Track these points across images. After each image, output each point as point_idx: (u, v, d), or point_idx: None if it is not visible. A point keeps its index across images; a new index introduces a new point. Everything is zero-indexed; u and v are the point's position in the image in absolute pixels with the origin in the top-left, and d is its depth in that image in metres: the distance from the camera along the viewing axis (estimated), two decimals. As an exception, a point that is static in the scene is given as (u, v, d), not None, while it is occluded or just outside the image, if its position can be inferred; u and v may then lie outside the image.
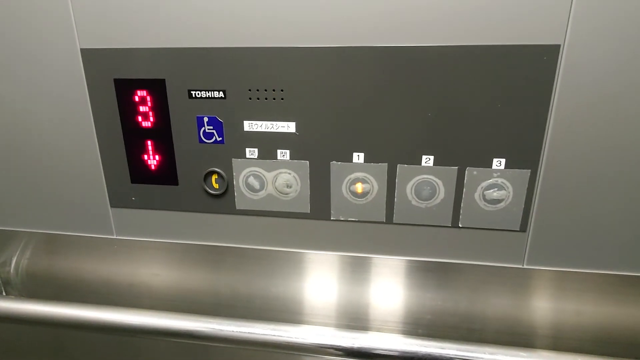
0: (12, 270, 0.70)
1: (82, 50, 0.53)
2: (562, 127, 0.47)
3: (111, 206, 0.61)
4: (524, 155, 0.49)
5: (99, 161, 0.58)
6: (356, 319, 0.61)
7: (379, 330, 0.61)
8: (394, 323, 0.60)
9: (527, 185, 0.50)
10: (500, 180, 0.51)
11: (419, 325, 0.60)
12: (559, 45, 0.44)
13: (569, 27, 0.44)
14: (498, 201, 0.52)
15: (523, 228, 0.52)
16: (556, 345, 0.57)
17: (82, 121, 0.57)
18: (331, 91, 0.50)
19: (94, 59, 0.53)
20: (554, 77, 0.45)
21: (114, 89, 0.54)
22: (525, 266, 0.54)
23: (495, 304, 0.57)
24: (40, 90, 0.56)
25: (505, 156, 0.50)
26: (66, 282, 0.69)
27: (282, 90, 0.51)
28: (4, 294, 0.72)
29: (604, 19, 0.43)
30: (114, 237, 0.63)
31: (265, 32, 0.49)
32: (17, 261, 0.70)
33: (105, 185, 0.60)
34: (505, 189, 0.51)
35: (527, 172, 0.50)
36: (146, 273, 0.65)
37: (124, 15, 0.51)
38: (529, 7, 0.44)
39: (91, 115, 0.56)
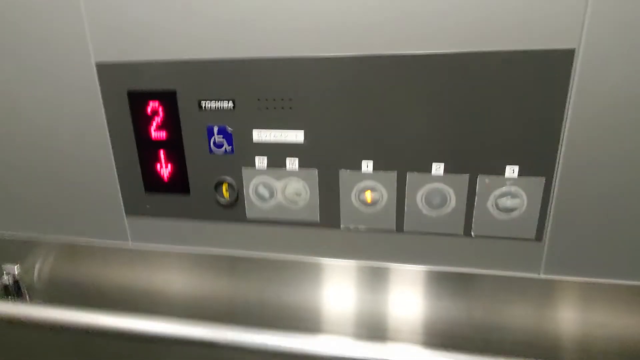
0: (35, 277, 0.73)
1: (96, 64, 0.55)
2: (578, 132, 0.45)
3: (126, 214, 0.62)
4: (539, 162, 0.47)
5: (114, 171, 0.60)
6: (368, 328, 0.60)
7: (391, 340, 0.60)
8: (407, 333, 0.59)
9: (542, 193, 0.49)
10: (513, 188, 0.49)
11: (433, 335, 0.59)
12: (573, 50, 0.43)
13: (584, 31, 0.42)
14: (512, 209, 0.50)
15: (539, 237, 0.51)
16: (576, 359, 0.55)
17: (98, 132, 0.58)
18: (339, 99, 0.50)
19: (108, 72, 0.55)
20: (569, 82, 0.44)
21: (127, 101, 0.56)
22: (542, 276, 0.53)
23: (511, 315, 0.56)
24: (57, 104, 0.58)
25: (518, 163, 0.48)
26: (87, 288, 0.71)
27: (290, 100, 0.51)
28: (27, 299, 0.75)
29: (621, 21, 0.41)
30: (130, 244, 0.64)
31: (273, 43, 0.49)
32: (39, 268, 0.72)
33: (120, 194, 0.61)
34: (519, 197, 0.49)
35: (541, 180, 0.48)
36: (160, 280, 0.66)
37: (136, 29, 0.52)
38: (543, 11, 0.42)
39: (106, 126, 0.58)
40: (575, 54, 0.43)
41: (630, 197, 0.47)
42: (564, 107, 0.45)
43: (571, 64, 0.43)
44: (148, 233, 0.63)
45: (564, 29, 0.42)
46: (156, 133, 0.56)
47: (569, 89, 0.44)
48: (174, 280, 0.66)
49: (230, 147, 0.55)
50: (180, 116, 0.55)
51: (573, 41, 0.42)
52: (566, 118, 0.45)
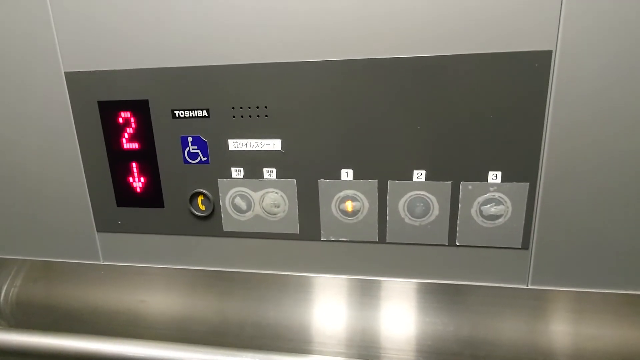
0: (1, 299, 0.69)
1: (66, 73, 0.53)
2: (560, 136, 0.44)
3: (97, 231, 0.59)
4: (521, 167, 0.46)
5: (85, 184, 0.57)
6: (351, 346, 0.58)
7: (375, 358, 0.57)
8: (392, 350, 0.56)
9: (526, 200, 0.47)
10: (497, 194, 0.48)
11: (419, 351, 0.56)
12: (550, 51, 0.42)
13: (560, 32, 0.42)
14: (496, 217, 0.48)
15: (525, 245, 0.49)
16: (569, 372, 0.53)
17: (67, 144, 0.56)
18: (316, 106, 0.48)
19: (78, 82, 0.53)
20: (548, 84, 0.43)
21: (98, 111, 0.54)
22: (529, 286, 0.51)
23: (500, 328, 0.53)
24: (25, 115, 0.55)
25: (501, 169, 0.47)
26: (57, 310, 0.67)
27: (265, 107, 0.49)
28: (-7, 323, 0.71)
29: (596, 22, 0.40)
30: (101, 262, 0.61)
31: (247, 49, 0.48)
32: (6, 289, 0.69)
33: (91, 210, 0.58)
34: (503, 204, 0.48)
35: (525, 186, 0.47)
36: (133, 300, 0.63)
37: (106, 38, 0.50)
38: (518, 13, 0.42)
39: (76, 138, 0.55)
40: (553, 56, 0.42)
41: (618, 199, 0.45)
42: (544, 110, 0.44)
43: (549, 66, 0.43)
44: (120, 250, 0.60)
45: (540, 30, 0.42)
46: (128, 144, 0.54)
47: (548, 91, 0.43)
48: (148, 300, 0.63)
49: (206, 157, 0.53)
50: (153, 126, 0.53)
51: (550, 43, 0.42)
52: (547, 120, 0.44)
